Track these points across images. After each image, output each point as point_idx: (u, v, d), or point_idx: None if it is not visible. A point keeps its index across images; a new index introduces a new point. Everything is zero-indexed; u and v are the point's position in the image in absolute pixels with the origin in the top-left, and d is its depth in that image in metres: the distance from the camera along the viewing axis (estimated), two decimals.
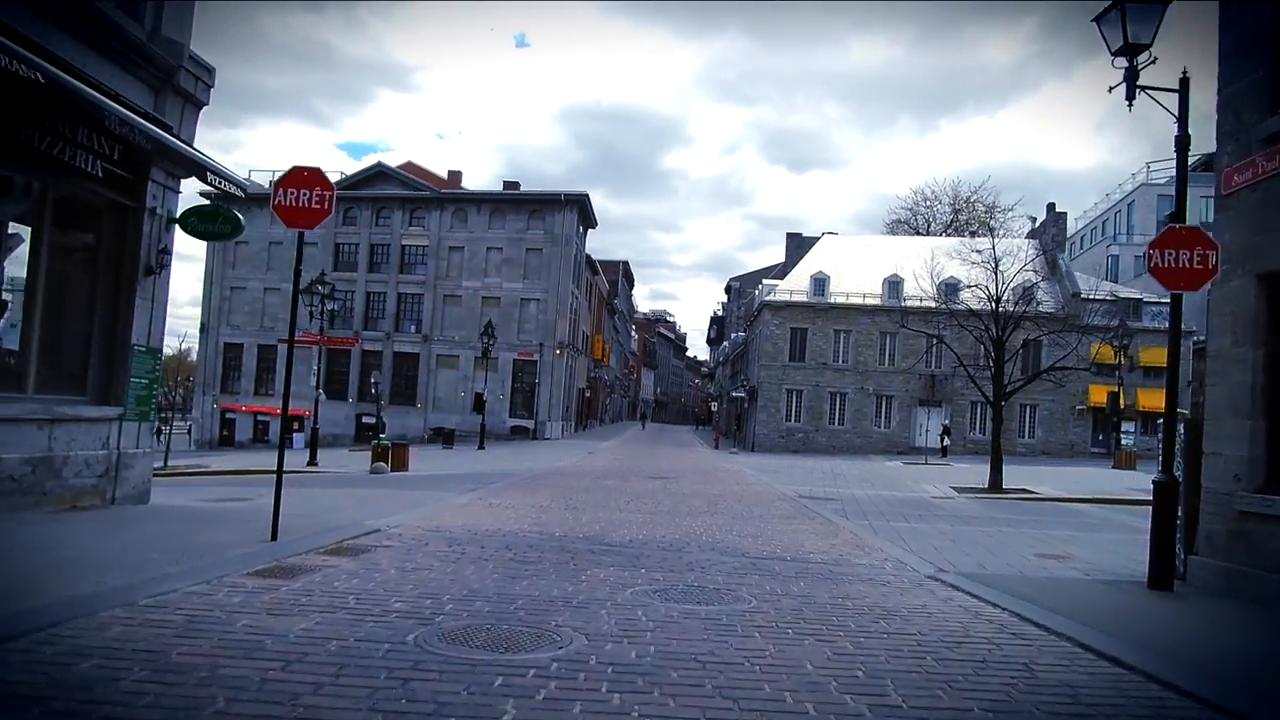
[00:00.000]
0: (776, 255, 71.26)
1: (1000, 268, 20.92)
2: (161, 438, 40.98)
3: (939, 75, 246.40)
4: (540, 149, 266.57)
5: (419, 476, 20.07)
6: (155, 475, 22.98)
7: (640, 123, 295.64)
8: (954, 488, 20.68)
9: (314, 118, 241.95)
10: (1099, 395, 43.79)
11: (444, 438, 37.54)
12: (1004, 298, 21.02)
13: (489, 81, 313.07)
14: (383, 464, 21.56)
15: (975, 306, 21.61)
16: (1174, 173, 8.60)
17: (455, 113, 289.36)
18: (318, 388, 23.62)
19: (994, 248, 21.25)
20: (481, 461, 26.43)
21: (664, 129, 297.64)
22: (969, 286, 20.86)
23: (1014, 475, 22.99)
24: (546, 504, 13.17)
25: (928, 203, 62.72)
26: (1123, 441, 46.58)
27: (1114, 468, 31.29)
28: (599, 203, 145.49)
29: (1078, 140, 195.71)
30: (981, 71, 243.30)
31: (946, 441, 40.19)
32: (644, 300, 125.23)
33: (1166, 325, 8.90)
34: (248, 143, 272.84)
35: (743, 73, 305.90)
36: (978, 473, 27.73)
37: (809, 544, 9.84)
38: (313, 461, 23.91)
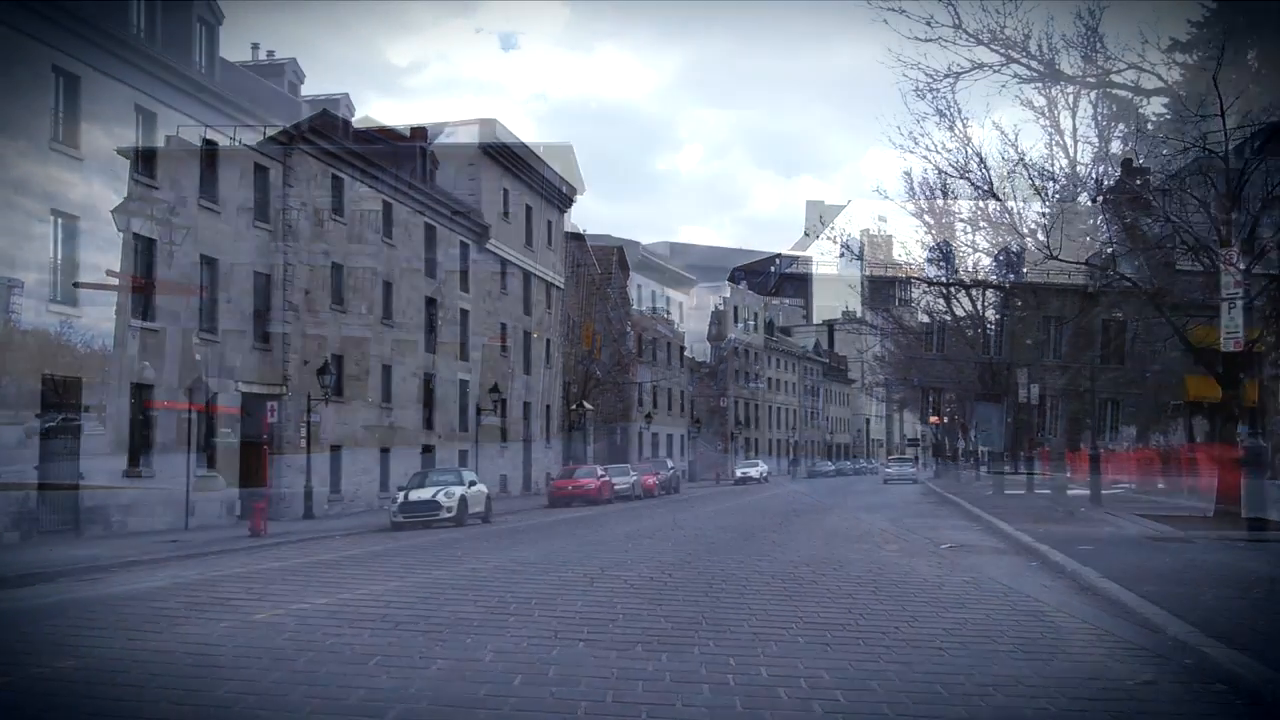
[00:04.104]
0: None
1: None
2: None
3: (925, 79, 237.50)
4: None
5: None
6: None
7: (628, 125, 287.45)
8: (1149, 517, 12.54)
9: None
10: (1199, 388, 35.72)
11: None
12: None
13: (476, 84, 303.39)
14: None
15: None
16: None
17: (442, 115, 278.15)
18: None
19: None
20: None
21: (653, 131, 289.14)
22: (1166, 184, 12.82)
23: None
24: None
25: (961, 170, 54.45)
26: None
27: (1273, 478, 23.12)
28: (590, 206, 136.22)
29: (1063, 139, 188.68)
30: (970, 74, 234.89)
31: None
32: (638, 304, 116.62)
33: None
34: None
35: (730, 74, 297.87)
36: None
37: None
38: None
